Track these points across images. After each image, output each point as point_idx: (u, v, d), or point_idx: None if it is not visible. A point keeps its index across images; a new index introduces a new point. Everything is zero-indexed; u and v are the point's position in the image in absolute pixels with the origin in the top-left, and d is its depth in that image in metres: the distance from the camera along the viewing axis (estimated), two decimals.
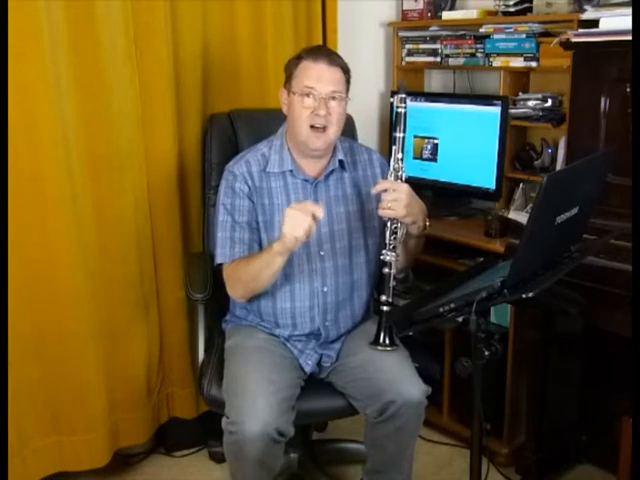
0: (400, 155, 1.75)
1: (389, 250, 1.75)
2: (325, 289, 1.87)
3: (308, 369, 1.86)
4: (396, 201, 1.71)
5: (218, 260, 1.86)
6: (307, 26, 2.46)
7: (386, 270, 1.76)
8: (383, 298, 1.75)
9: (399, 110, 1.75)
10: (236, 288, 1.85)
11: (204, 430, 2.38)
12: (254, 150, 1.92)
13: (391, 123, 2.71)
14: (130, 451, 2.34)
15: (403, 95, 1.75)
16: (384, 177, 1.93)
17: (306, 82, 1.78)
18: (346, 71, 1.84)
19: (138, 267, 2.15)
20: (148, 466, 2.37)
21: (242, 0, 2.26)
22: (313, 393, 1.83)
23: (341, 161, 1.92)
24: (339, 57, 1.84)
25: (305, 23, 2.46)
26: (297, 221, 1.61)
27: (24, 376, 1.96)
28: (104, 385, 2.10)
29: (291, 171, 1.88)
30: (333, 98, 1.79)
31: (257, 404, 1.63)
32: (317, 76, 1.78)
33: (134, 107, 2.06)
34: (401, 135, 1.75)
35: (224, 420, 1.68)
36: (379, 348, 1.75)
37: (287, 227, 1.62)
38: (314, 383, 1.87)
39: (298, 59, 1.82)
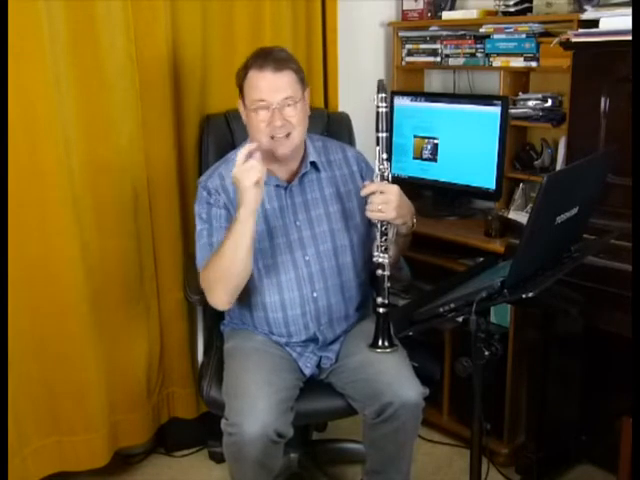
0: (385, 155, 1.70)
1: (381, 252, 1.73)
2: (315, 294, 1.85)
3: (308, 372, 1.86)
4: (386, 203, 1.69)
5: (199, 267, 1.81)
6: (307, 26, 2.46)
7: (380, 272, 1.74)
8: (379, 300, 1.74)
9: (380, 110, 1.70)
10: (215, 291, 1.75)
11: (204, 430, 2.38)
12: (226, 162, 1.88)
13: (391, 123, 2.72)
14: (130, 451, 2.34)
15: (383, 94, 1.71)
16: (362, 174, 1.94)
17: (255, 95, 1.73)
18: (297, 70, 1.78)
19: (138, 267, 2.16)
20: (148, 466, 2.37)
21: (242, 0, 2.26)
22: (313, 394, 1.83)
23: (313, 162, 1.89)
24: (287, 58, 1.78)
25: (305, 23, 2.45)
26: (247, 172, 1.61)
27: (24, 376, 1.97)
28: (104, 385, 2.10)
29: None
30: (288, 105, 1.74)
31: (256, 406, 1.62)
32: (266, 87, 1.72)
33: (134, 107, 2.06)
34: (384, 135, 1.70)
35: (223, 422, 1.68)
36: (378, 350, 1.75)
37: (245, 181, 1.61)
38: (313, 384, 1.87)
39: (245, 69, 1.76)
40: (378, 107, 1.71)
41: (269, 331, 1.89)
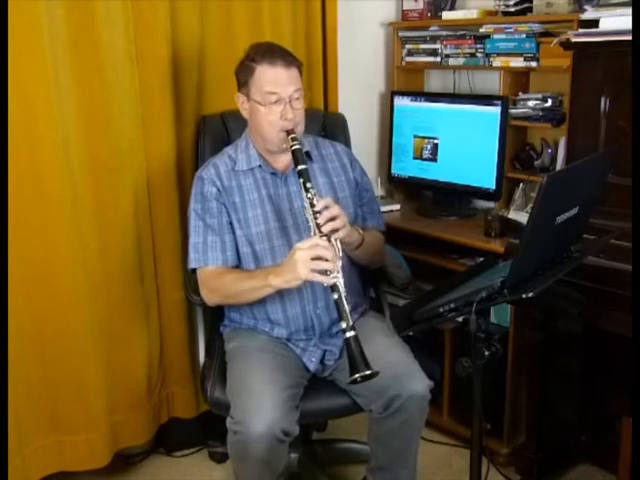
0: (309, 184, 1.72)
1: (334, 272, 1.63)
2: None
3: (312, 367, 1.86)
4: (339, 217, 1.70)
5: (192, 265, 1.88)
6: (307, 26, 2.46)
7: (335, 296, 1.62)
8: (343, 325, 1.59)
9: (294, 147, 1.76)
10: (212, 296, 1.88)
11: (204, 430, 2.38)
12: (221, 154, 1.96)
13: (391, 123, 2.72)
14: (130, 451, 2.34)
15: (293, 135, 1.78)
16: (352, 166, 2.01)
17: (268, 88, 1.79)
18: (299, 65, 1.86)
19: (138, 267, 2.16)
20: (148, 466, 2.37)
21: (241, 0, 2.26)
22: (317, 392, 1.83)
23: (308, 152, 1.94)
24: (291, 54, 1.86)
25: (305, 23, 2.45)
26: (311, 263, 1.61)
27: (24, 376, 1.96)
28: (104, 385, 2.10)
29: (260, 166, 1.90)
30: (296, 98, 1.82)
31: (262, 404, 1.63)
32: (279, 81, 1.79)
33: (134, 107, 2.06)
34: (304, 167, 1.74)
35: (229, 420, 1.67)
36: (358, 379, 1.55)
37: (302, 270, 1.61)
38: (317, 382, 1.87)
39: (252, 62, 1.82)
40: (292, 147, 1.77)
41: (267, 318, 1.90)
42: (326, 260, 1.62)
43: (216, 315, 2.06)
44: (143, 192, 2.13)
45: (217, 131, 2.17)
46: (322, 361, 1.89)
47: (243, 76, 1.85)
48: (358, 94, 2.79)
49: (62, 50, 1.88)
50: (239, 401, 1.68)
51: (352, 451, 2.30)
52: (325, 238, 1.66)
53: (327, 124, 2.29)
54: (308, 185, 1.72)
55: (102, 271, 2.06)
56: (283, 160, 1.92)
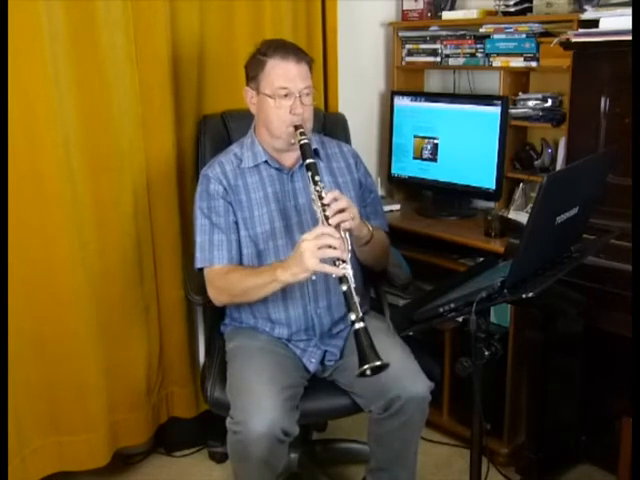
0: (317, 177, 1.70)
1: (342, 262, 1.60)
2: (313, 277, 1.80)
3: (312, 367, 1.86)
4: (348, 209, 1.69)
5: (198, 264, 1.87)
6: (307, 26, 2.46)
7: (344, 288, 1.58)
8: (352, 317, 1.54)
9: (303, 142, 1.76)
10: (220, 295, 1.87)
11: (204, 430, 2.38)
12: (226, 152, 1.95)
13: (391, 123, 2.72)
14: (130, 451, 2.34)
15: (301, 129, 1.78)
16: (357, 167, 2.00)
17: (279, 83, 1.79)
18: (310, 61, 1.85)
19: (138, 267, 2.16)
20: (148, 466, 2.37)
21: (242, 0, 2.26)
22: (317, 392, 1.83)
23: (316, 150, 1.93)
24: (302, 50, 1.86)
25: (305, 23, 2.45)
26: (320, 251, 1.60)
27: (24, 376, 1.97)
28: (104, 385, 2.10)
29: (266, 162, 1.89)
30: (306, 94, 1.81)
31: (262, 404, 1.62)
32: (290, 75, 1.79)
33: (134, 107, 2.06)
34: (312, 161, 1.73)
35: (228, 420, 1.67)
36: (368, 372, 1.49)
37: (310, 260, 1.60)
38: (317, 382, 1.87)
39: (263, 56, 1.81)
40: (300, 141, 1.76)
41: (267, 317, 1.89)
42: (334, 248, 1.60)
43: (216, 315, 2.06)
44: (143, 192, 2.13)
45: (217, 131, 2.17)
46: (322, 362, 1.89)
47: (253, 70, 1.84)
48: (358, 94, 2.79)
49: (62, 50, 1.88)
50: (239, 401, 1.68)
51: (352, 451, 2.31)
52: (333, 228, 1.65)
53: (327, 124, 2.29)
54: (317, 178, 1.70)
55: (102, 271, 2.06)
56: (290, 157, 1.91)
